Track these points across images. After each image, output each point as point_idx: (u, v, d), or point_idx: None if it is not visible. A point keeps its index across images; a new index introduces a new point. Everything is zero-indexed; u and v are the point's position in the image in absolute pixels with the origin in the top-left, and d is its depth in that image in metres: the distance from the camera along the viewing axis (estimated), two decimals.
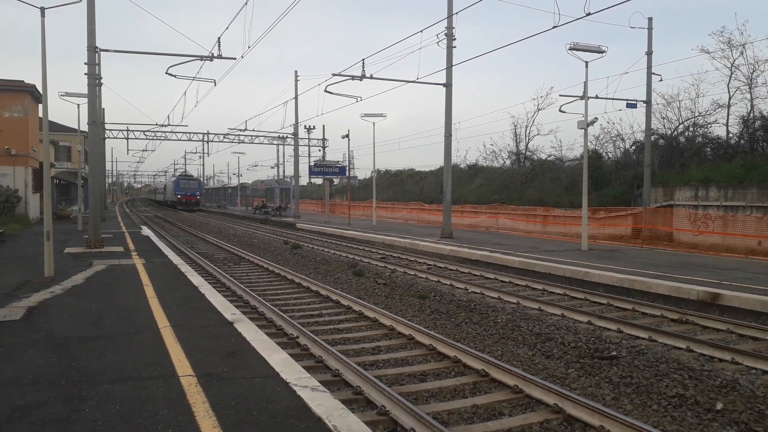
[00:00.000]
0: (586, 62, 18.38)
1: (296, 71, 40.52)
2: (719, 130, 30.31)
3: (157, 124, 40.71)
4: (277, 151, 65.32)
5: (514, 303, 11.38)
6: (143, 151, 79.45)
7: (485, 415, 5.93)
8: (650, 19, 25.18)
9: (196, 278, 11.77)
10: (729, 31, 36.45)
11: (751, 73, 28.31)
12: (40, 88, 22.40)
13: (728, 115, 29.39)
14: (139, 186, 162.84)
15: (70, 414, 4.56)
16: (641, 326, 9.15)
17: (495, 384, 6.70)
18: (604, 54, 17.86)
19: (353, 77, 22.95)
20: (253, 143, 46.89)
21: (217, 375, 5.49)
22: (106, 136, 41.16)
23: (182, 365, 5.79)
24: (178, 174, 79.90)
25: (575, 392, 6.37)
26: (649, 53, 25.35)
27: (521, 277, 14.39)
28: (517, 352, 8.07)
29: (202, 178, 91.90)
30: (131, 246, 18.71)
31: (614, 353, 7.81)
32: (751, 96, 28.48)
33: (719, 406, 6.04)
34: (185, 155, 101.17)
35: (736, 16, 75.50)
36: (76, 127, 29.89)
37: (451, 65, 22.07)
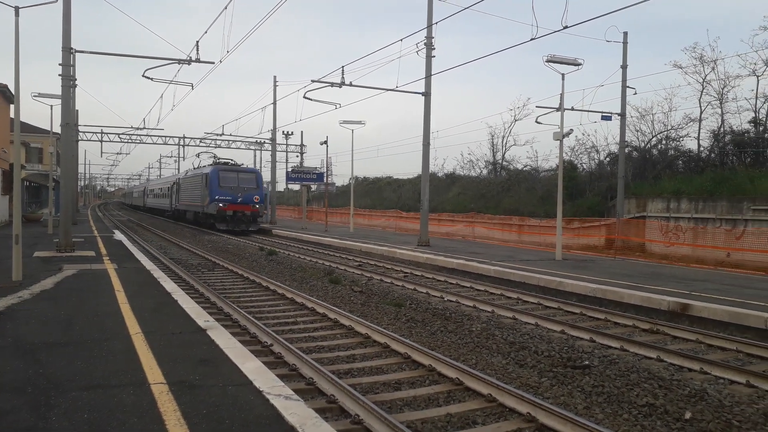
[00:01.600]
0: (563, 74, 18.66)
1: (275, 77, 40.35)
2: (691, 144, 31.03)
3: (132, 127, 40.19)
4: (254, 156, 60.89)
5: (489, 312, 11.44)
6: (117, 154, 77.39)
7: (459, 423, 5.94)
8: (625, 34, 25.73)
9: (169, 284, 11.62)
10: (701, 47, 37.40)
11: (722, 89, 29.06)
12: (11, 88, 21.96)
13: (699, 129, 30.13)
14: (113, 189, 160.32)
15: (36, 422, 4.45)
16: (613, 336, 9.27)
17: (469, 393, 6.73)
18: (580, 66, 18.16)
19: (332, 84, 22.97)
20: (230, 148, 46.56)
21: (189, 383, 5.41)
22: (79, 138, 40.51)
23: (153, 373, 5.70)
24: (215, 162, 38.86)
25: (548, 401, 6.42)
26: (624, 67, 25.83)
27: (496, 285, 14.48)
28: (491, 361, 8.11)
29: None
30: (103, 250, 18.40)
31: (587, 362, 7.89)
32: (721, 111, 29.23)
33: (688, 415, 6.14)
34: (160, 159, 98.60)
35: (708, 33, 77.32)
36: (49, 129, 29.38)
37: (430, 74, 22.23)
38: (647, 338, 9.57)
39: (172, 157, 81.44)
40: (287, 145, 49.68)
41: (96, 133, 43.76)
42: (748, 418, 6.06)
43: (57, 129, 21.29)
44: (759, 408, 6.32)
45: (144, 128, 38.76)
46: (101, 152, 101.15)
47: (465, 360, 8.10)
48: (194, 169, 42.70)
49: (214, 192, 33.48)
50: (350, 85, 22.91)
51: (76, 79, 20.69)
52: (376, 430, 5.53)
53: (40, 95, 24.64)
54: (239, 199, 33.40)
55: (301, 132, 77.24)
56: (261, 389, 5.24)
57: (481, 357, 8.30)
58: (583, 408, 6.40)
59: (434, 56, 22.01)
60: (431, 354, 7.82)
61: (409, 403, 6.48)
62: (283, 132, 48.76)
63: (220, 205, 32.94)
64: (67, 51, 17.17)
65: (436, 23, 20.82)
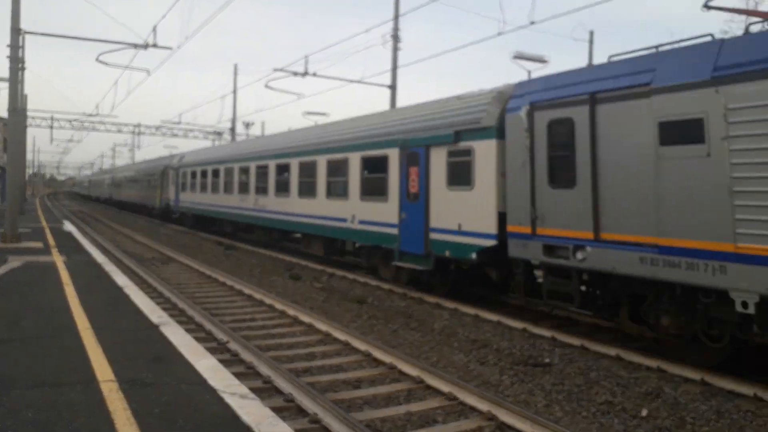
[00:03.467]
0: (529, 71, 18.77)
1: (236, 65, 39.66)
2: None
3: (84, 114, 39.01)
4: (213, 146, 58.75)
5: (451, 308, 11.42)
6: (69, 141, 74.33)
7: (419, 422, 5.90)
8: (591, 32, 26.03)
9: (121, 278, 11.22)
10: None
11: None
12: None
13: None
14: (64, 178, 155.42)
15: None
16: (574, 334, 9.35)
17: (430, 391, 6.69)
18: (546, 64, 18.27)
19: (296, 74, 22.74)
20: (187, 137, 45.70)
21: (140, 381, 5.21)
22: (28, 124, 39.01)
23: (103, 370, 5.48)
24: None
25: (508, 399, 6.44)
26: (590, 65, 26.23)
27: None
28: (453, 359, 8.09)
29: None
30: (51, 242, 17.72)
31: (547, 360, 7.95)
32: None
33: (644, 412, 6.24)
34: (114, 147, 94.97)
35: (671, 35, 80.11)
36: None
37: (396, 67, 22.17)
38: (607, 337, 9.68)
39: (126, 145, 77.88)
40: (248, 135, 49.00)
41: (46, 119, 42.31)
42: (701, 415, 6.20)
43: (4, 114, 20.39)
44: (712, 405, 6.46)
45: (97, 115, 37.71)
46: (51, 139, 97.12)
47: (426, 358, 8.07)
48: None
49: None
50: (314, 75, 22.76)
51: (25, 62, 19.86)
52: (334, 429, 5.43)
53: None
54: None
55: (263, 122, 76.63)
56: (216, 388, 5.08)
57: (443, 355, 8.28)
58: (543, 406, 6.42)
59: (401, 49, 21.99)
60: (392, 352, 7.77)
61: (369, 401, 6.40)
62: (243, 122, 48.03)
63: None
64: (16, 32, 16.43)
65: (404, 15, 20.75)
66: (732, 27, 35.67)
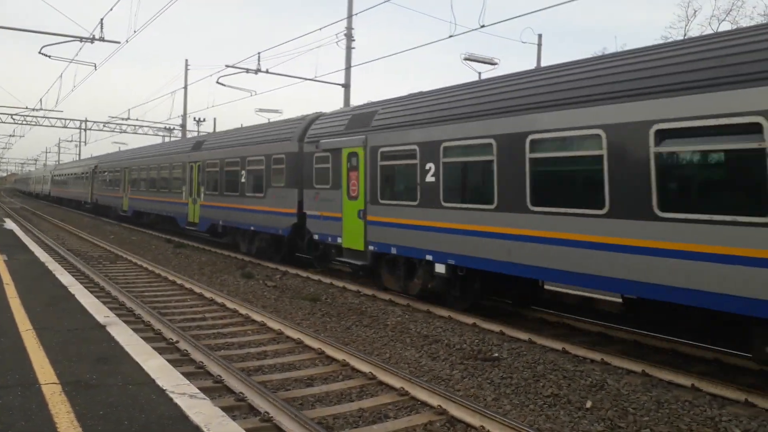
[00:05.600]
0: (479, 73, 19.05)
1: (186, 60, 38.80)
2: None
3: (27, 108, 37.46)
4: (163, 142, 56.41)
5: (404, 305, 11.51)
6: (10, 136, 71.26)
7: (371, 418, 5.94)
8: (540, 36, 26.69)
9: (65, 277, 10.85)
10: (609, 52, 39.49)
11: None
12: None
13: None
14: (5, 174, 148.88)
15: None
16: (522, 328, 9.56)
17: (382, 387, 6.74)
18: (496, 66, 18.62)
19: (248, 70, 22.45)
20: (136, 134, 44.48)
21: (84, 382, 5.06)
22: None
23: (45, 372, 5.29)
24: None
25: (458, 393, 6.55)
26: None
27: None
28: (404, 354, 8.16)
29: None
30: None
31: (496, 355, 8.11)
32: None
33: (588, 404, 6.44)
34: (59, 143, 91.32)
35: (616, 40, 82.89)
36: None
37: (350, 66, 22.13)
38: (554, 331, 9.94)
39: (72, 141, 75.07)
40: (199, 132, 48.03)
41: None
42: (642, 406, 6.43)
43: None
44: (652, 396, 6.71)
45: (41, 109, 36.27)
46: None
47: (379, 354, 8.12)
48: None
49: None
50: (266, 72, 22.51)
51: None
52: (286, 427, 5.42)
53: None
54: None
55: (214, 119, 74.56)
56: (164, 388, 4.98)
57: (395, 351, 8.34)
58: (492, 399, 6.56)
59: (354, 47, 21.94)
60: (345, 349, 7.79)
61: (322, 399, 6.41)
62: (194, 118, 47.12)
63: None
64: None
65: (357, 14, 20.75)
66: (672, 33, 36.96)
